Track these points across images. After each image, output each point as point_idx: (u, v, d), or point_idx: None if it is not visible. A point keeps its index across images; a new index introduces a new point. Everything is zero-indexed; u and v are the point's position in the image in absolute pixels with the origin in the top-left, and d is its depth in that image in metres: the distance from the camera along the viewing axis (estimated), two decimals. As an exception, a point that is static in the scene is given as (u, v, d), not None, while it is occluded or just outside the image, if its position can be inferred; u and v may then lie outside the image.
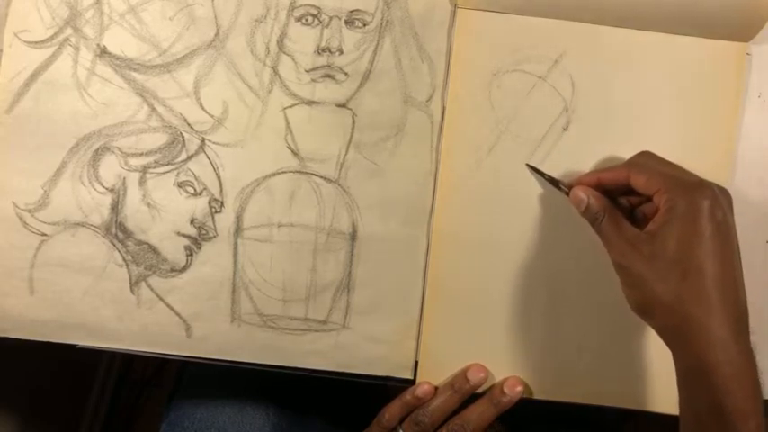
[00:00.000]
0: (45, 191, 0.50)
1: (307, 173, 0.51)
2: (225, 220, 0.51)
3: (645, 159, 0.47)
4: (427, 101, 0.52)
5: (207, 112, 0.51)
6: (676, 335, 0.42)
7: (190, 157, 0.51)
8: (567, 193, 0.49)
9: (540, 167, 0.51)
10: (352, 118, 0.51)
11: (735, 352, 0.40)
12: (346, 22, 0.51)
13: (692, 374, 0.42)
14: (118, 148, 0.50)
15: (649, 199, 0.46)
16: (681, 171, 0.45)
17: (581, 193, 0.47)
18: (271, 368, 0.52)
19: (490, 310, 0.52)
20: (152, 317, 0.51)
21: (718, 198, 0.43)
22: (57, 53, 0.50)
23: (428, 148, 0.52)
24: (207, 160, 0.51)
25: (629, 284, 0.45)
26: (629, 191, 0.47)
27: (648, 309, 0.44)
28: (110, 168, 0.51)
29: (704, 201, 0.42)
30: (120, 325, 0.51)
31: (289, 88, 0.51)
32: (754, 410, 0.40)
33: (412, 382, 0.52)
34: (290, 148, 0.51)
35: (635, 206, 0.49)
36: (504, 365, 0.52)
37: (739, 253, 0.43)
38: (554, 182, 0.50)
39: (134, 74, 0.50)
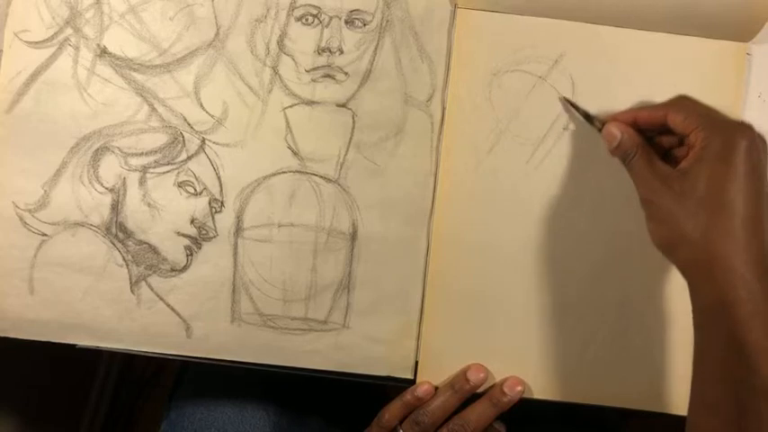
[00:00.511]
0: (45, 191, 0.50)
1: (307, 173, 0.51)
2: (225, 220, 0.51)
3: (683, 101, 0.47)
4: (427, 101, 0.52)
5: (207, 112, 0.51)
6: (699, 271, 0.42)
7: (190, 157, 0.51)
8: (600, 129, 0.48)
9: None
10: (353, 118, 0.51)
11: (758, 291, 0.40)
12: (346, 22, 0.51)
13: (712, 311, 0.41)
14: (118, 147, 0.50)
15: (682, 143, 0.45)
16: (720, 113, 0.45)
17: (615, 130, 0.47)
18: (271, 368, 0.52)
19: (490, 310, 0.52)
20: (152, 317, 0.51)
21: (756, 140, 0.42)
22: (57, 53, 0.50)
23: (428, 148, 0.52)
24: (207, 160, 0.51)
25: (656, 220, 0.44)
26: (663, 132, 0.47)
27: (673, 245, 0.43)
28: (110, 168, 0.51)
29: (742, 140, 0.41)
30: (120, 325, 0.51)
31: (289, 88, 0.51)
32: None
33: (412, 382, 0.52)
34: (290, 148, 0.51)
35: (668, 149, 0.48)
36: (504, 365, 0.52)
37: None
38: (588, 117, 0.50)
39: (134, 74, 0.50)
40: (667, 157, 0.48)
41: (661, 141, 0.48)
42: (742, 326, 0.39)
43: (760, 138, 0.43)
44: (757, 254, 0.41)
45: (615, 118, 0.48)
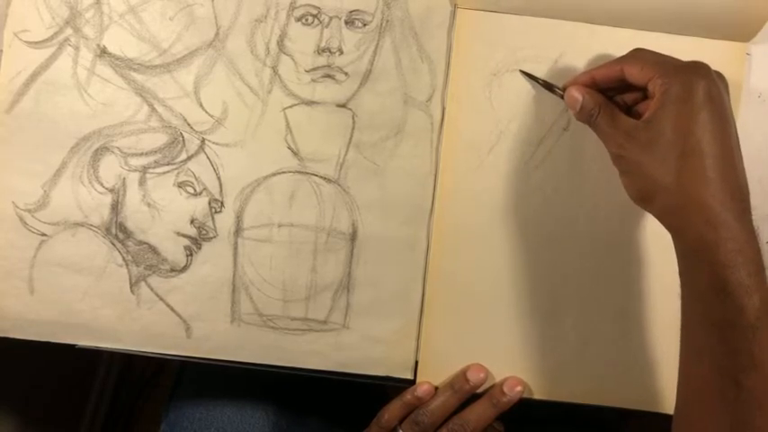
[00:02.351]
0: (45, 191, 0.50)
1: (307, 173, 0.51)
2: (225, 221, 0.51)
3: (638, 52, 0.46)
4: (427, 101, 0.52)
5: (207, 112, 0.51)
6: (678, 216, 0.42)
7: (190, 157, 0.51)
8: (562, 96, 0.49)
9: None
10: (352, 118, 0.51)
11: (738, 229, 0.39)
12: (346, 23, 0.51)
13: (694, 253, 0.41)
14: (118, 148, 0.50)
15: (645, 97, 0.45)
16: (675, 58, 0.45)
17: (575, 93, 0.47)
18: (271, 368, 0.52)
19: (490, 310, 0.52)
20: (152, 317, 0.51)
21: (714, 78, 0.42)
22: (57, 53, 0.50)
23: (428, 148, 0.52)
24: (207, 160, 0.51)
25: (627, 173, 0.44)
26: (624, 88, 0.47)
27: (648, 195, 0.43)
28: (110, 168, 0.51)
29: (700, 80, 0.41)
30: (120, 325, 0.51)
31: (289, 88, 0.51)
32: (759, 286, 0.39)
33: (412, 383, 0.52)
34: (290, 148, 0.51)
35: (631, 105, 0.48)
36: (504, 365, 0.52)
37: (737, 134, 0.42)
38: (548, 86, 0.50)
39: (134, 74, 0.50)
40: (632, 113, 0.48)
41: (624, 99, 0.48)
42: (724, 266, 0.39)
43: (718, 75, 0.43)
44: (732, 192, 0.40)
45: (574, 81, 0.49)
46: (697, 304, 0.41)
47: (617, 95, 0.48)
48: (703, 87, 0.41)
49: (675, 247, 0.43)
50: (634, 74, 0.45)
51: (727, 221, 0.40)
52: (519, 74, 0.51)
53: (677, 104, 0.41)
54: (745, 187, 0.42)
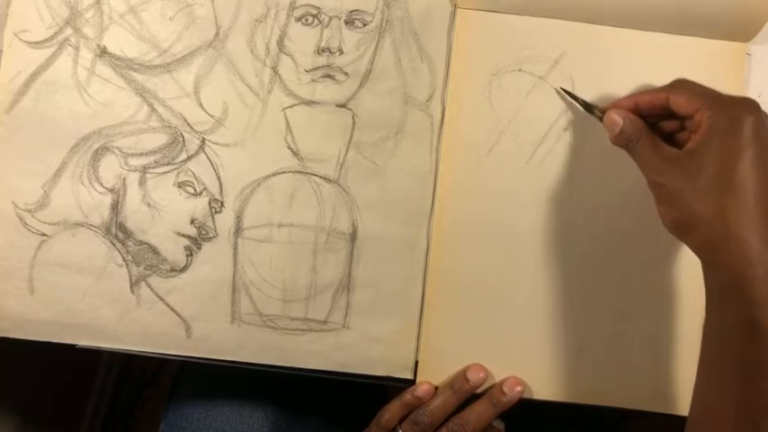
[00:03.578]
0: (45, 191, 0.50)
1: (307, 173, 0.51)
2: (225, 221, 0.51)
3: (683, 83, 0.46)
4: (427, 101, 0.52)
5: (207, 112, 0.51)
6: (715, 251, 0.41)
7: (190, 157, 0.51)
8: (601, 119, 0.48)
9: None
10: (352, 118, 0.51)
11: None
12: (346, 22, 0.51)
13: (727, 291, 0.40)
14: (118, 148, 0.50)
15: (683, 127, 0.45)
16: (721, 92, 0.44)
17: (616, 116, 0.46)
18: (271, 368, 0.52)
19: (490, 309, 0.52)
20: (152, 317, 0.51)
21: (762, 115, 0.42)
22: (57, 53, 0.50)
23: (428, 148, 0.52)
24: (207, 160, 0.51)
25: (666, 202, 0.44)
26: (665, 116, 0.46)
27: (686, 226, 0.43)
28: (110, 168, 0.51)
29: (749, 116, 0.41)
30: (120, 325, 0.51)
31: (289, 88, 0.51)
32: None
33: (412, 382, 0.52)
34: (290, 148, 0.51)
35: (670, 134, 0.48)
36: (504, 365, 0.52)
37: None
38: (587, 106, 0.50)
39: (134, 74, 0.50)
40: (669, 141, 0.47)
41: (662, 126, 0.48)
42: (758, 305, 0.39)
43: (765, 113, 0.42)
44: None
45: (616, 105, 0.48)
46: (724, 339, 0.41)
47: (656, 122, 0.48)
48: (752, 124, 0.41)
49: (705, 279, 0.42)
50: (681, 103, 0.44)
51: (766, 260, 0.39)
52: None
53: (724, 138, 0.41)
54: None
